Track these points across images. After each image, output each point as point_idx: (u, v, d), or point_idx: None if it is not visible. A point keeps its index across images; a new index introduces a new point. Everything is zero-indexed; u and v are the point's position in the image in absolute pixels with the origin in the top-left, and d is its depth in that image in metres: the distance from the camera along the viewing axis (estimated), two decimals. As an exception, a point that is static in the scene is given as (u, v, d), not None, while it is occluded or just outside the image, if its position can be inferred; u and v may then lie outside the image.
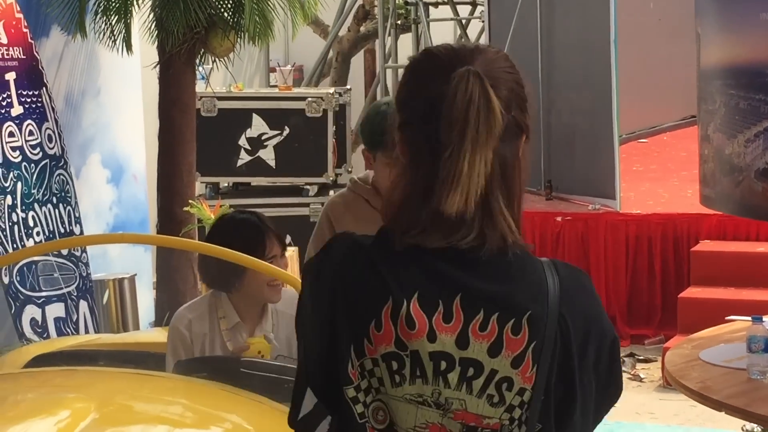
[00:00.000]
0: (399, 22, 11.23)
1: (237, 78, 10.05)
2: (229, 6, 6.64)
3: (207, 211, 6.30)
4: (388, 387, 1.86)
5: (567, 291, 1.88)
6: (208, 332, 4.07)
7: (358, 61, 13.28)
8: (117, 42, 6.65)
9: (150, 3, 6.65)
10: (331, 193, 9.97)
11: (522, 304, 1.85)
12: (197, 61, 6.88)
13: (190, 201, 6.51)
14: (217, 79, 9.19)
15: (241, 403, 3.79)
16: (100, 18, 6.61)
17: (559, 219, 8.63)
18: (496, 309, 1.84)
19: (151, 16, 6.67)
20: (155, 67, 6.81)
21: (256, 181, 10.01)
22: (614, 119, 8.57)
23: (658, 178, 10.16)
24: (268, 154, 9.85)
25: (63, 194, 6.77)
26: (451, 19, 11.55)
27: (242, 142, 9.81)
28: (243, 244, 4.04)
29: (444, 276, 1.86)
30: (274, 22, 6.69)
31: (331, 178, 9.93)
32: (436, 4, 11.32)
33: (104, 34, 6.64)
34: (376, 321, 1.86)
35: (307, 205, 9.77)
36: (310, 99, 9.81)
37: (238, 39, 6.67)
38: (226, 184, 10.03)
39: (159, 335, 5.66)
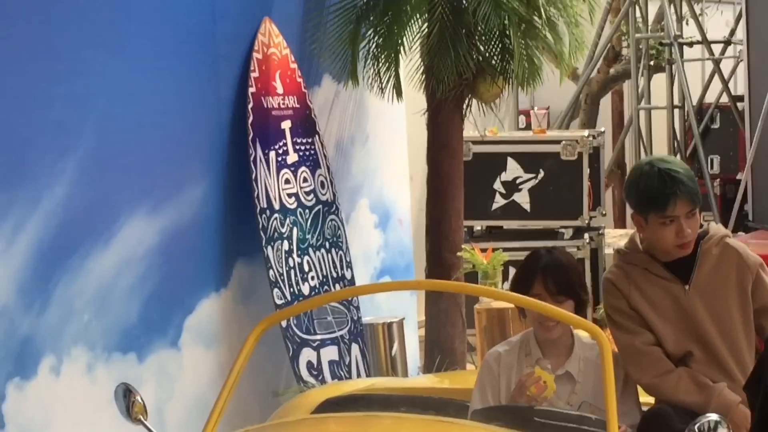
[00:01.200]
0: (651, 62, 11.11)
1: (487, 121, 10.11)
2: (496, 52, 6.69)
3: (479, 256, 6.33)
4: None
5: None
6: (515, 365, 4.23)
7: (605, 103, 13.19)
8: (385, 90, 6.78)
9: (419, 51, 6.75)
10: (586, 236, 9.90)
11: None
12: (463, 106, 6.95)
13: (463, 246, 6.56)
14: (468, 124, 9.26)
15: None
16: (369, 66, 6.75)
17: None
18: None
19: (419, 63, 6.78)
20: (424, 113, 6.91)
21: (510, 224, 10.01)
22: None
23: None
24: (522, 198, 9.84)
25: (335, 239, 6.91)
26: (707, 59, 11.36)
27: (497, 185, 9.84)
28: (517, 277, 4.34)
29: None
30: (542, 68, 6.71)
31: (586, 222, 9.85)
32: (690, 44, 11.16)
33: (373, 82, 6.79)
34: None
35: (562, 248, 9.70)
36: (564, 142, 9.77)
37: (506, 84, 6.73)
38: (479, 228, 10.06)
39: (437, 381, 5.72)
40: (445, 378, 5.91)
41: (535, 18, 6.58)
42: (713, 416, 3.74)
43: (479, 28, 6.49)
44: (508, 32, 6.50)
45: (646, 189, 4.16)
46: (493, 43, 6.60)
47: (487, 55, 6.68)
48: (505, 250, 7.31)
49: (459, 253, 6.52)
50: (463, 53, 6.41)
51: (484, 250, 6.52)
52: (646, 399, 4.39)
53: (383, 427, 3.88)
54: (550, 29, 6.64)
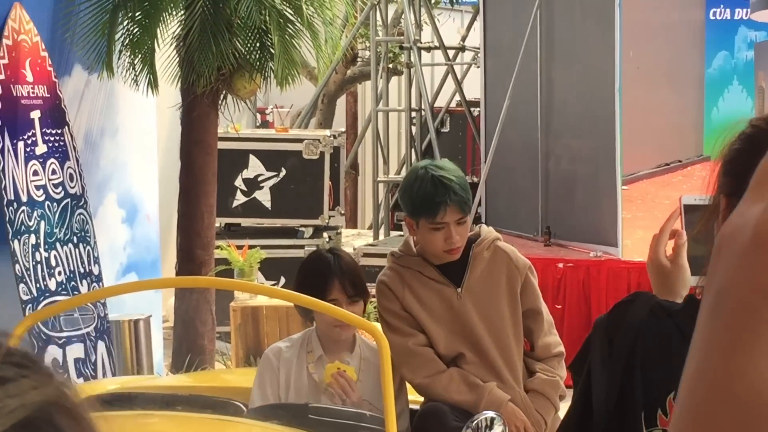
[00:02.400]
0: (390, 65, 11.28)
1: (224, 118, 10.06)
2: (256, 48, 6.65)
3: (236, 254, 6.28)
4: None
5: None
6: (295, 361, 4.18)
7: (339, 103, 13.32)
8: (140, 82, 6.64)
9: (175, 44, 6.64)
10: (325, 235, 9.98)
11: None
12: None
13: (219, 244, 6.49)
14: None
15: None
16: (124, 57, 6.60)
17: (560, 266, 8.66)
18: None
19: (174, 56, 6.67)
20: (179, 108, 6.80)
21: (252, 222, 9.99)
22: (617, 167, 8.65)
23: (649, 226, 10.17)
24: (264, 196, 9.84)
25: (83, 234, 6.71)
26: (445, 64, 11.62)
27: (238, 182, 9.80)
28: (309, 281, 4.19)
29: None
30: (300, 65, 6.71)
31: (326, 221, 9.93)
32: (428, 49, 11.39)
33: (127, 73, 6.63)
34: (676, 392, 1.83)
35: (302, 247, 9.74)
36: (307, 141, 9.82)
37: (263, 81, 6.70)
38: (218, 225, 9.98)
39: (191, 380, 5.63)
40: (199, 377, 5.83)
41: (295, 16, 6.57)
42: (490, 413, 3.84)
43: (239, 23, 6.44)
44: (267, 28, 6.47)
45: (419, 194, 4.21)
46: (252, 39, 6.56)
47: (245, 51, 6.63)
48: (250, 247, 7.30)
49: (214, 250, 6.44)
50: (224, 48, 6.34)
51: (240, 248, 6.47)
52: (415, 397, 4.46)
53: (160, 426, 3.80)
54: (308, 28, 6.64)
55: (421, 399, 4.41)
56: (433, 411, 4.16)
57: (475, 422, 3.74)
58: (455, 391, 4.21)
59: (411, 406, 4.39)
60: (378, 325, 4.31)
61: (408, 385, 4.37)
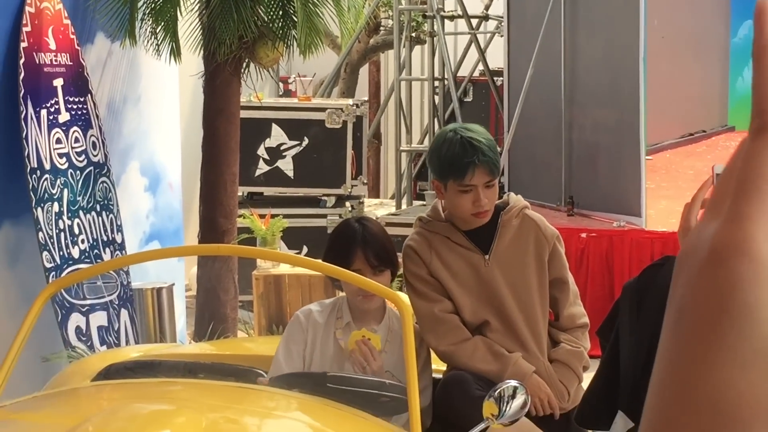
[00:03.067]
0: (413, 34, 11.23)
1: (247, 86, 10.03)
2: (278, 16, 6.62)
3: (258, 222, 6.27)
4: None
5: None
6: (324, 325, 4.16)
7: (362, 72, 13.28)
8: (162, 50, 6.61)
9: (197, 12, 6.62)
10: (348, 204, 9.97)
11: None
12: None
13: (242, 212, 6.48)
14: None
15: (345, 419, 3.77)
16: (147, 24, 6.58)
17: (583, 235, 8.63)
18: None
19: (196, 24, 6.65)
20: (202, 76, 6.78)
21: (275, 191, 9.98)
22: (641, 136, 8.60)
23: (673, 196, 10.17)
24: (286, 165, 9.83)
25: (106, 202, 6.72)
26: (468, 33, 11.56)
27: (261, 151, 9.79)
28: (334, 250, 4.20)
29: None
30: (323, 34, 6.68)
31: (349, 190, 9.91)
32: (451, 17, 11.33)
33: (149, 41, 6.61)
34: None
35: (324, 216, 9.74)
36: (330, 110, 9.80)
37: (286, 49, 6.67)
38: (240, 194, 9.97)
39: (214, 348, 5.64)
40: (221, 345, 5.83)
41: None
42: (513, 382, 3.81)
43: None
44: (290, -4, 6.45)
45: (448, 155, 4.18)
46: (275, 7, 6.53)
47: (268, 19, 6.61)
48: (273, 216, 7.29)
49: (237, 219, 6.43)
50: (246, 16, 6.31)
51: (262, 216, 6.46)
52: (439, 366, 4.44)
53: (182, 393, 3.80)
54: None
55: (444, 368, 4.39)
56: (456, 380, 4.14)
57: (497, 391, 3.72)
58: (480, 360, 4.20)
59: (434, 375, 4.37)
60: (401, 294, 4.29)
61: (432, 354, 4.36)
